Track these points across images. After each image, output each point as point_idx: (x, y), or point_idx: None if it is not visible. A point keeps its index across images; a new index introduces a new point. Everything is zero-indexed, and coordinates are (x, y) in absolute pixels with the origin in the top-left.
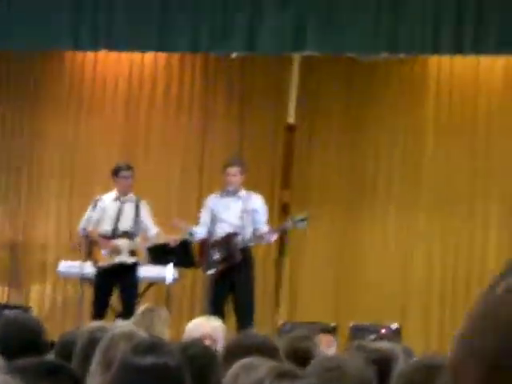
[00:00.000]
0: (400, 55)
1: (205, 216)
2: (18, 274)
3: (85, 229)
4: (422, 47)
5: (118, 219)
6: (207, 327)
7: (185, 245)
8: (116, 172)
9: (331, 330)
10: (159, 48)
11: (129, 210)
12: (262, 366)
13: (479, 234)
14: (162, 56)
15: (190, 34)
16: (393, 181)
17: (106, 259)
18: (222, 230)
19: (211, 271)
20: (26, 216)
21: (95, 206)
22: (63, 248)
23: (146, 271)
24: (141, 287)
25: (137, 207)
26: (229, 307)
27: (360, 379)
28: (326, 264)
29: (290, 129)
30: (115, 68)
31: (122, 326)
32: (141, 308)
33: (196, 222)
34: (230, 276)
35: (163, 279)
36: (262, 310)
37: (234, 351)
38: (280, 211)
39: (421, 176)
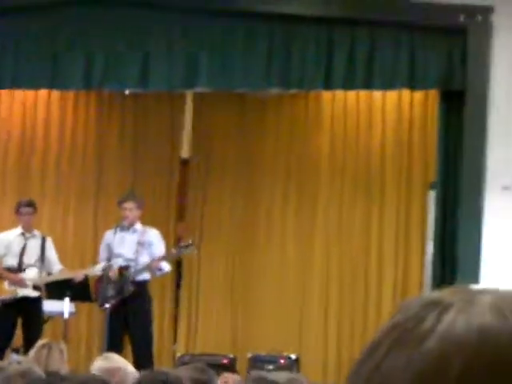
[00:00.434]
0: (291, 91)
1: (102, 252)
2: None
3: None
4: (312, 83)
5: (22, 254)
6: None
7: (82, 280)
8: (17, 208)
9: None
10: (51, 86)
11: (34, 245)
12: None
13: (374, 265)
14: (55, 94)
15: (82, 70)
16: (288, 213)
17: (8, 292)
18: (116, 265)
19: (105, 306)
20: None
21: (0, 241)
22: None
23: (46, 306)
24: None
25: (42, 243)
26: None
27: None
28: (222, 296)
29: (185, 163)
30: (8, 106)
31: (19, 362)
32: (37, 343)
33: (92, 259)
34: (125, 310)
35: (60, 313)
36: (160, 343)
37: None
38: (175, 244)
39: (316, 206)
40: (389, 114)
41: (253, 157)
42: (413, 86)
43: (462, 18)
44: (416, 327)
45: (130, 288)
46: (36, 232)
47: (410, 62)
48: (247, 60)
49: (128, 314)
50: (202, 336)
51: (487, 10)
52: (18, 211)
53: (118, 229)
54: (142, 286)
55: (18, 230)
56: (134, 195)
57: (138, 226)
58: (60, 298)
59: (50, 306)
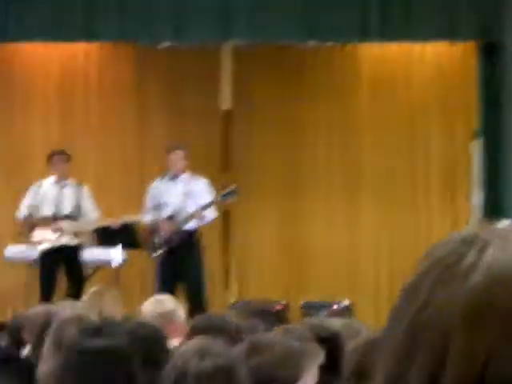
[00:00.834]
0: (328, 43)
1: (149, 201)
2: None
3: (26, 215)
4: (348, 35)
5: (58, 203)
6: (164, 307)
7: (130, 227)
8: (51, 158)
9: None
10: (88, 38)
11: (69, 194)
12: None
13: (423, 212)
14: (93, 46)
15: (117, 22)
16: (333, 163)
17: (49, 241)
18: (164, 214)
19: (155, 254)
20: None
21: (34, 191)
22: (8, 233)
23: (94, 254)
24: (89, 270)
25: (77, 191)
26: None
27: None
28: (272, 243)
29: (226, 114)
30: (46, 59)
31: (73, 308)
32: (91, 290)
33: (138, 207)
34: (176, 259)
35: (112, 261)
36: (212, 291)
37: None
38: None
39: (361, 157)
40: (428, 65)
41: (293, 109)
42: (451, 37)
43: None
44: (457, 263)
45: (178, 237)
46: (71, 180)
47: (449, 13)
48: (283, 12)
49: (179, 263)
50: (254, 283)
51: None
52: (51, 160)
53: (166, 178)
54: (191, 234)
55: (52, 178)
56: (181, 145)
57: (185, 175)
58: (111, 245)
59: (101, 253)
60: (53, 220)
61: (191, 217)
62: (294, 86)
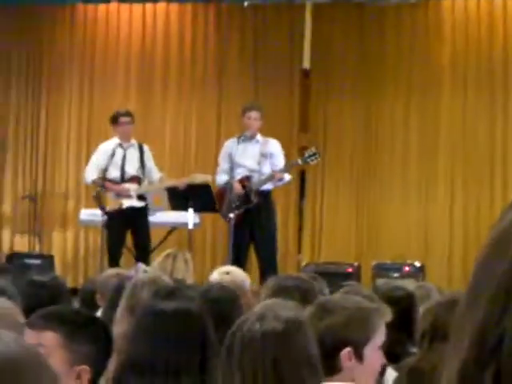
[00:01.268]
0: (411, 0)
1: (223, 162)
2: (39, 223)
3: (95, 179)
4: None
5: (124, 164)
6: (231, 278)
7: (205, 189)
8: (116, 119)
9: (358, 277)
10: None
11: (133, 155)
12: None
13: (499, 170)
14: (174, 6)
15: None
16: (410, 123)
17: (116, 203)
18: (239, 175)
19: (230, 216)
20: (46, 166)
21: (100, 154)
22: (83, 197)
23: (167, 216)
24: (162, 233)
25: (140, 152)
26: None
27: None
28: (346, 205)
29: (306, 73)
30: (127, 19)
31: (146, 271)
32: (164, 253)
33: (215, 168)
34: (251, 220)
35: (185, 224)
36: (284, 252)
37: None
38: (299, 154)
39: (439, 115)
40: (510, 21)
41: (373, 67)
42: None
43: None
44: None
45: (254, 198)
46: (133, 141)
47: None
48: None
49: (253, 224)
50: (327, 245)
51: None
52: (116, 121)
53: (242, 138)
54: (266, 196)
55: (116, 140)
56: (259, 105)
57: (259, 136)
58: (184, 208)
59: (174, 216)
60: (120, 182)
61: (268, 178)
62: (375, 45)
